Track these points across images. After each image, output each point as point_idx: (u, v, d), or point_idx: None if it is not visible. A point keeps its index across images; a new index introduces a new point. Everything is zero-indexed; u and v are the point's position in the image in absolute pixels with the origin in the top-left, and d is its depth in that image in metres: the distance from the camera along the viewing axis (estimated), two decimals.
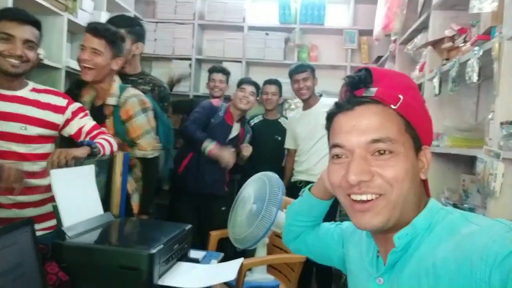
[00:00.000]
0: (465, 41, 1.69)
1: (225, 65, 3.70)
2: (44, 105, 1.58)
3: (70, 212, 1.31)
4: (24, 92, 1.55)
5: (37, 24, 1.49)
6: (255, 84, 2.73)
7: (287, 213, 1.05)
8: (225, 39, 3.77)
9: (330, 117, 0.74)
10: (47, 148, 1.61)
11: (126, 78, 2.12)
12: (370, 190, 0.65)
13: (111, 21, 2.20)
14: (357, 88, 0.69)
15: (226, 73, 3.14)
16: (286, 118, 3.16)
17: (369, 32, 3.45)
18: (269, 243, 2.21)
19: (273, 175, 2.14)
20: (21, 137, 1.51)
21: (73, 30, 2.77)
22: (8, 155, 1.48)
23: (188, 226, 1.47)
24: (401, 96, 0.67)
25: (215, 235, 2.44)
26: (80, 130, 1.66)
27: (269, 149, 3.03)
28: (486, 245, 0.54)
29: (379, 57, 3.46)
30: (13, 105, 1.51)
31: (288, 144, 2.99)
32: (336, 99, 2.76)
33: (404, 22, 2.59)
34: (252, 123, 3.14)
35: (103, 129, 1.72)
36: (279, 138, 3.06)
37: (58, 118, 1.61)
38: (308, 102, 2.83)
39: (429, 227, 0.66)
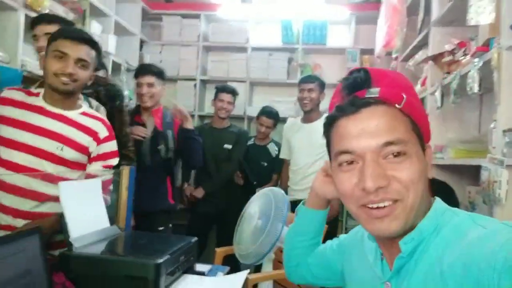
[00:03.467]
0: (464, 54, 1.72)
1: (231, 84, 3.79)
2: (85, 128, 1.53)
3: (77, 224, 1.32)
4: (72, 114, 1.52)
5: (93, 44, 1.47)
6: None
7: (286, 239, 1.03)
8: (229, 60, 3.85)
9: (331, 122, 0.69)
10: (75, 175, 1.54)
11: None
12: (388, 196, 0.62)
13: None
14: (359, 89, 0.66)
15: (236, 94, 3.07)
16: (276, 144, 3.18)
17: (370, 51, 3.51)
18: (275, 259, 2.19)
19: (278, 191, 2.15)
20: (55, 157, 1.47)
21: None
22: (37, 172, 1.45)
23: (194, 239, 1.47)
24: (404, 95, 0.65)
25: (220, 252, 2.42)
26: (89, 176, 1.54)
27: (255, 173, 3.04)
28: (494, 251, 0.52)
29: None
30: (56, 124, 1.47)
31: (284, 154, 2.95)
32: None
33: (405, 40, 2.64)
34: None
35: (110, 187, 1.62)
36: (265, 164, 3.09)
37: (91, 145, 1.54)
38: (310, 115, 2.79)
39: (435, 229, 0.64)
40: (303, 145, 2.76)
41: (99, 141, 1.56)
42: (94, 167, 1.57)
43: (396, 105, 0.64)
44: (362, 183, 0.62)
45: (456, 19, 1.99)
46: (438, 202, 0.67)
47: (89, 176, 1.55)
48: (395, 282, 0.67)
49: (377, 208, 0.63)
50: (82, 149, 1.53)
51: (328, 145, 0.72)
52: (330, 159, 0.73)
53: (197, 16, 3.81)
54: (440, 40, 2.08)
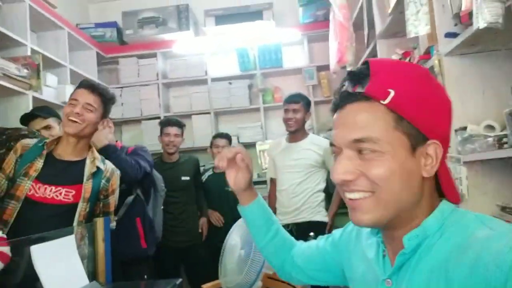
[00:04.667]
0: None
1: (194, 118, 3.82)
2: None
3: (55, 286, 1.28)
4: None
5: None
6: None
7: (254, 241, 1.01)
8: (190, 94, 3.88)
9: (332, 113, 0.73)
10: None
11: None
12: (356, 189, 0.65)
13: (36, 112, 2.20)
14: (353, 85, 0.66)
15: (182, 125, 3.01)
16: None
17: (326, 67, 3.63)
18: (262, 286, 2.17)
19: None
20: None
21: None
22: None
23: (179, 280, 1.45)
24: (391, 91, 0.62)
25: None
26: None
27: (222, 201, 3.08)
28: (501, 252, 0.52)
29: None
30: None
31: (270, 173, 2.87)
32: (326, 140, 2.77)
33: (356, 54, 2.77)
34: (204, 179, 3.23)
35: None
36: (229, 189, 3.06)
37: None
38: (295, 136, 2.71)
39: (441, 228, 0.63)
40: (288, 165, 2.69)
41: None
42: None
43: (381, 101, 0.63)
44: (332, 175, 0.66)
45: (399, 31, 2.12)
46: (445, 203, 0.67)
47: None
48: (396, 279, 0.67)
49: (351, 199, 0.66)
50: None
51: None
52: None
53: (153, 55, 3.84)
54: (387, 51, 2.20)
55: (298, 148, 2.69)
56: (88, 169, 1.74)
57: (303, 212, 2.65)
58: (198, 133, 3.78)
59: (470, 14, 1.14)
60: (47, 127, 2.14)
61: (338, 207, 2.71)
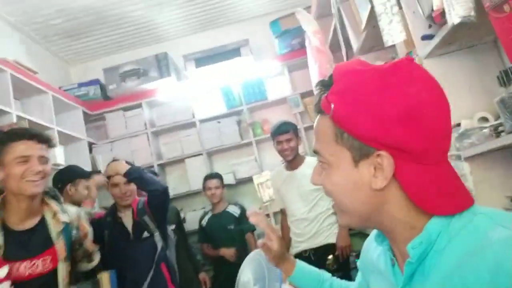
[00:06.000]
0: None
1: (187, 161, 3.80)
2: None
3: None
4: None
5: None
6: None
7: None
8: (181, 138, 3.88)
9: None
10: None
11: None
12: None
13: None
14: (320, 95, 0.66)
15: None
16: (235, 205, 3.23)
17: (309, 93, 3.69)
18: None
19: None
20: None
21: None
22: None
23: None
24: (331, 104, 0.61)
25: None
26: None
27: (227, 240, 3.05)
28: None
29: None
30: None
31: (279, 204, 2.92)
32: None
33: None
34: (204, 223, 3.20)
35: None
36: (232, 227, 3.09)
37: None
38: (293, 163, 2.76)
39: (448, 231, 0.59)
40: (294, 194, 2.72)
41: None
42: None
43: (327, 115, 0.63)
44: None
45: (375, 44, 2.17)
46: None
47: None
48: None
49: None
50: None
51: None
52: None
53: (138, 106, 3.86)
54: None
55: (299, 175, 2.73)
56: (54, 228, 1.55)
57: (319, 237, 2.66)
58: (193, 176, 3.75)
59: (442, 14, 1.17)
60: (88, 188, 2.23)
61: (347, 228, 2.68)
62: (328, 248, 2.61)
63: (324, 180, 0.67)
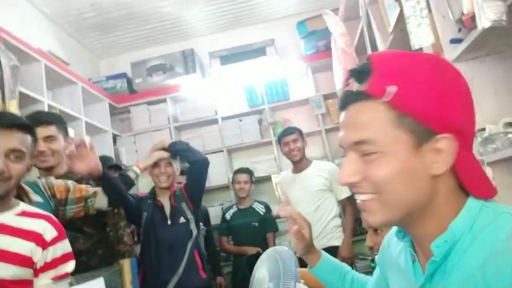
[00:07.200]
0: None
1: (208, 157, 3.84)
2: (24, 233, 1.18)
3: None
4: (5, 217, 1.18)
5: (27, 128, 1.22)
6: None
7: None
8: (202, 134, 3.94)
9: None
10: None
11: None
12: (361, 191, 0.63)
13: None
14: (357, 82, 0.64)
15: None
16: (260, 202, 3.22)
17: (332, 95, 3.70)
18: None
19: (282, 249, 2.11)
20: None
21: None
22: None
23: None
24: (389, 88, 0.59)
25: None
26: None
27: (249, 237, 3.06)
28: None
29: None
30: None
31: None
32: (331, 162, 2.85)
33: None
34: (228, 216, 3.21)
35: None
36: (256, 224, 3.09)
37: (35, 253, 1.18)
38: (300, 165, 2.83)
39: (472, 230, 0.59)
40: (300, 196, 2.77)
41: (45, 244, 1.20)
42: (43, 282, 1.19)
43: (383, 99, 0.60)
44: None
45: (402, 48, 2.15)
46: (472, 200, 0.62)
47: None
48: (430, 287, 0.64)
49: (359, 201, 0.65)
50: (24, 261, 1.16)
51: None
52: None
53: (163, 101, 3.94)
54: None
55: (305, 177, 2.79)
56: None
57: (323, 239, 2.68)
58: (213, 172, 3.78)
59: (472, 18, 1.17)
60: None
61: (351, 229, 2.75)
62: (332, 250, 2.61)
63: (372, 172, 0.61)
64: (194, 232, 2.30)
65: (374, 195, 0.62)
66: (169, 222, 2.28)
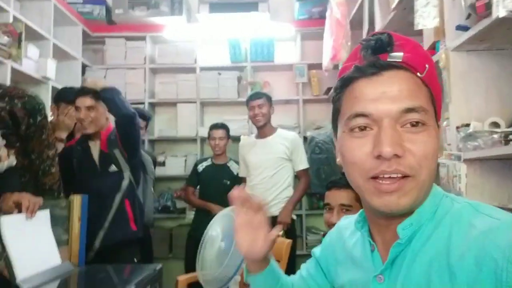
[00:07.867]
0: None
1: (179, 106, 3.72)
2: None
3: (25, 263, 1.17)
4: None
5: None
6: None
7: None
8: (178, 81, 3.77)
9: (346, 83, 0.64)
10: None
11: None
12: (401, 169, 0.57)
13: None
14: (381, 52, 0.61)
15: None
16: (236, 162, 3.13)
17: (317, 66, 3.60)
18: (241, 281, 2.11)
19: None
20: None
21: (17, 79, 2.65)
22: None
23: (159, 266, 1.37)
24: (427, 65, 0.61)
25: (183, 280, 2.30)
26: None
27: (218, 193, 2.92)
28: (510, 244, 0.50)
29: (329, 89, 3.60)
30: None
31: (242, 172, 2.94)
32: (294, 133, 2.79)
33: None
34: (201, 168, 3.13)
35: None
36: (228, 183, 3.01)
37: None
38: (263, 131, 2.82)
39: (434, 217, 0.60)
40: (261, 160, 2.76)
41: None
42: None
43: (418, 74, 0.60)
44: (378, 148, 0.57)
45: (398, 29, 2.09)
46: (436, 187, 0.63)
47: None
48: (389, 274, 0.62)
49: (389, 178, 0.57)
50: None
51: (336, 111, 0.67)
52: (336, 127, 0.68)
53: (142, 38, 3.71)
54: None
55: (268, 143, 2.79)
56: None
57: (272, 207, 2.67)
58: (182, 122, 3.69)
59: (486, 5, 1.10)
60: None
61: (298, 197, 2.79)
62: (277, 221, 2.60)
63: (417, 146, 0.57)
64: (126, 181, 2.11)
65: (413, 171, 0.57)
66: (98, 169, 2.09)
